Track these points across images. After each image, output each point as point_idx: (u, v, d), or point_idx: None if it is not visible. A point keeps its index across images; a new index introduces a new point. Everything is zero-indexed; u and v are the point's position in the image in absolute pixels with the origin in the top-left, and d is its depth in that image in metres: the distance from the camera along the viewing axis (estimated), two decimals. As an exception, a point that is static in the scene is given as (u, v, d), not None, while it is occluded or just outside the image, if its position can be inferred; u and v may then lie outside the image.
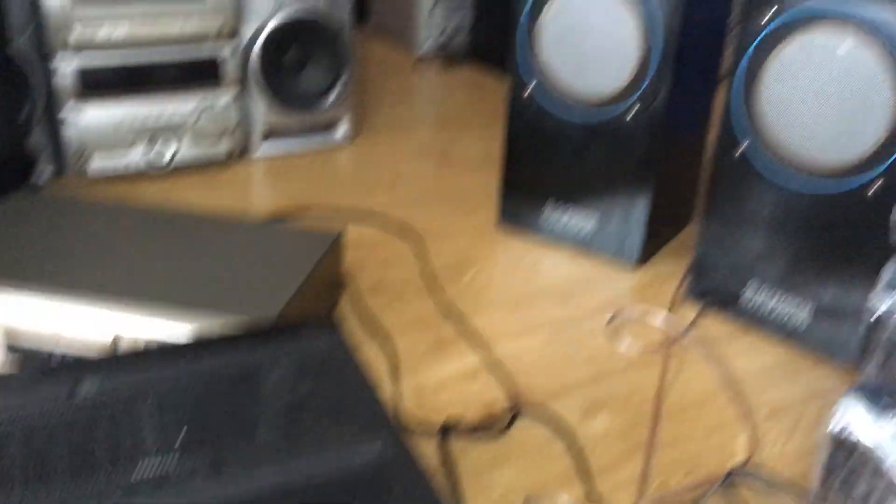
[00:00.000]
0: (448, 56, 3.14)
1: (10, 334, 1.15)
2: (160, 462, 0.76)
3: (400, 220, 1.85)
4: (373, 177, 2.11)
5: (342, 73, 2.19)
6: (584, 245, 1.74)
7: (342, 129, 2.29)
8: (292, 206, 1.88)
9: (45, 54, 1.81)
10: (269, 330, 0.99)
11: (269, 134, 2.17)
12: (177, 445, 0.77)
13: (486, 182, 2.06)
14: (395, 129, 2.46)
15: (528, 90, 1.68)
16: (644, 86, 1.54)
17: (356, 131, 2.34)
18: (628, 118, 1.58)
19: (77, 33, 1.78)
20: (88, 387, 0.84)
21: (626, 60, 1.54)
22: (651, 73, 1.52)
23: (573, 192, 1.72)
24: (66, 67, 1.81)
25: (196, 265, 1.27)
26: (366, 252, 1.70)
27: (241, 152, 2.12)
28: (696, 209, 1.92)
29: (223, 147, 2.05)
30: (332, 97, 2.20)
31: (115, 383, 0.85)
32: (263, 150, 2.17)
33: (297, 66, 2.15)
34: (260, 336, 0.96)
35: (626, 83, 1.55)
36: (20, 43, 1.75)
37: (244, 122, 2.09)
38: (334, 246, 1.42)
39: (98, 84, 1.85)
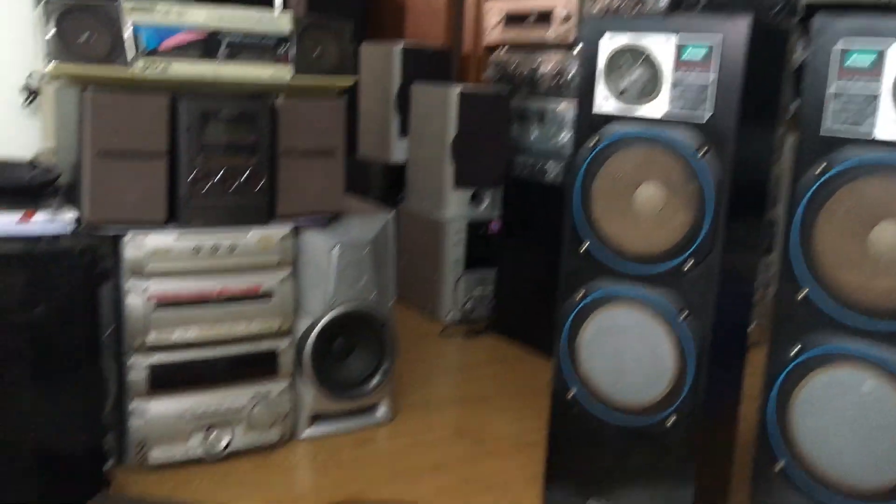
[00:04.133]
0: (471, 327, 3.34)
1: None
2: None
3: (447, 515, 1.92)
4: (413, 462, 2.19)
5: (384, 360, 2.34)
6: (628, 542, 1.80)
7: (382, 410, 2.41)
8: (340, 499, 1.96)
9: (119, 353, 1.97)
10: None
11: (315, 418, 2.28)
12: None
13: (524, 467, 2.15)
14: (429, 406, 2.58)
15: (571, 394, 1.82)
16: (681, 397, 1.67)
17: (394, 411, 2.45)
18: (668, 424, 1.70)
19: (153, 336, 1.95)
20: None
21: (663, 374, 1.69)
22: (687, 386, 1.66)
23: (615, 491, 1.80)
24: (140, 366, 1.95)
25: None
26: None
27: (289, 436, 2.22)
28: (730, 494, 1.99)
29: (274, 433, 2.16)
30: (373, 382, 2.34)
31: None
32: (309, 433, 2.27)
33: (343, 354, 2.31)
34: None
35: (663, 394, 1.69)
36: (104, 342, 1.90)
37: (293, 409, 2.21)
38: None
39: (166, 381, 1.99)
